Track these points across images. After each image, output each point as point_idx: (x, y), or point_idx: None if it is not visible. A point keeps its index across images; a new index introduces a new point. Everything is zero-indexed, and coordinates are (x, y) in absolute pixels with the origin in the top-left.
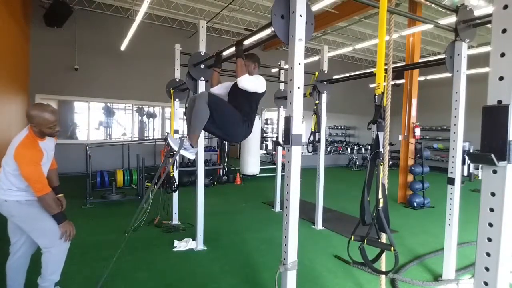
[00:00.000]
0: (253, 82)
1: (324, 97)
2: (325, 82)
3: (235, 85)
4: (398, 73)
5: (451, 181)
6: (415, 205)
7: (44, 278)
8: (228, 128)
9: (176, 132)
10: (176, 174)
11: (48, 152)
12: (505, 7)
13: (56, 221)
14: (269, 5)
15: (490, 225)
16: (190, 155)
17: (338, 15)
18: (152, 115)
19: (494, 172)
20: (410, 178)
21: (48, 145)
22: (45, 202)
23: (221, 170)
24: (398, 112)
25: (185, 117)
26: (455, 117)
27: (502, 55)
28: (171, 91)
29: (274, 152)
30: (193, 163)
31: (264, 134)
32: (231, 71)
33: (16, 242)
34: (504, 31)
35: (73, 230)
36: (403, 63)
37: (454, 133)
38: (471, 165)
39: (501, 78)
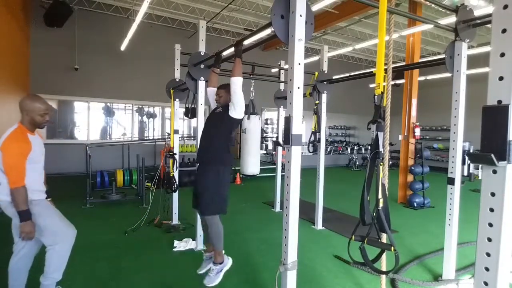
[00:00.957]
0: (241, 94)
1: (324, 97)
2: (325, 82)
3: (221, 112)
4: (398, 73)
5: (451, 181)
6: (415, 205)
7: (46, 276)
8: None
9: (176, 132)
10: (176, 174)
11: (37, 147)
12: (505, 7)
13: (20, 218)
14: (269, 5)
15: (490, 225)
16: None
17: (338, 15)
18: (152, 115)
19: (494, 172)
20: (410, 178)
21: (38, 141)
22: (16, 195)
23: None
24: (398, 112)
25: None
26: (455, 117)
27: (502, 55)
28: (171, 91)
29: (274, 152)
30: (193, 163)
31: (264, 134)
32: (230, 71)
33: (20, 241)
34: (504, 31)
35: (33, 233)
36: (403, 63)
37: (454, 133)
38: (471, 165)
39: (501, 78)
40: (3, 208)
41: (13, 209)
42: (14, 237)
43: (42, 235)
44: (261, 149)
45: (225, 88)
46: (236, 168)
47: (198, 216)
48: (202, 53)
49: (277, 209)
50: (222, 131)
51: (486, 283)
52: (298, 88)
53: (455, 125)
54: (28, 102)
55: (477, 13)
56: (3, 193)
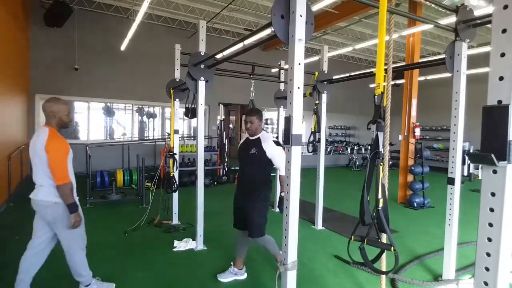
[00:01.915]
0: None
1: (324, 97)
2: (325, 82)
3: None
4: (398, 73)
5: (451, 181)
6: (415, 205)
7: (79, 275)
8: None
9: (176, 132)
10: (176, 174)
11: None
12: (505, 7)
13: (70, 210)
14: (269, 5)
15: (490, 225)
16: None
17: (338, 15)
18: (152, 115)
19: (494, 172)
20: (410, 178)
21: None
22: (64, 190)
23: (221, 170)
24: (398, 112)
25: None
26: (455, 117)
27: (502, 55)
28: (171, 91)
29: None
30: (193, 163)
31: None
32: (232, 71)
33: (39, 237)
34: (504, 31)
35: (81, 222)
36: (403, 63)
37: (454, 133)
38: (471, 165)
39: (501, 78)
40: (42, 208)
41: (53, 209)
42: (35, 231)
43: (66, 239)
44: None
45: (256, 115)
46: (236, 168)
47: (197, 213)
48: (202, 53)
49: (277, 209)
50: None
51: (486, 283)
52: (298, 88)
53: (455, 125)
54: (54, 104)
55: (477, 13)
56: (46, 194)
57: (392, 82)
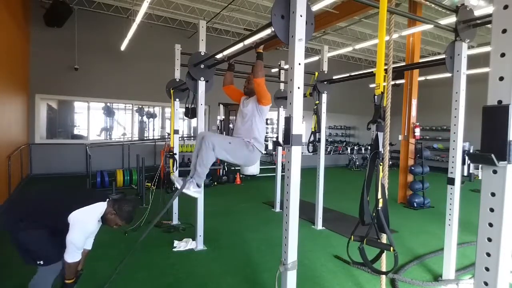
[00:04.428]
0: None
1: (324, 97)
2: (325, 82)
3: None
4: (398, 73)
5: (451, 181)
6: (415, 205)
7: None
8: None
9: (176, 132)
10: (176, 174)
11: None
12: (505, 7)
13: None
14: (269, 5)
15: (490, 225)
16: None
17: (338, 15)
18: (152, 115)
19: (494, 172)
20: (410, 178)
21: None
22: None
23: (221, 170)
24: (398, 112)
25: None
26: (455, 117)
27: (502, 55)
28: (171, 91)
29: (274, 152)
30: None
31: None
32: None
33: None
34: (504, 31)
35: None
36: (403, 63)
37: (454, 133)
38: (471, 165)
39: (501, 78)
40: None
41: None
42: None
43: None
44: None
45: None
46: (236, 168)
47: (197, 213)
48: (202, 53)
49: (277, 209)
50: None
51: (486, 283)
52: (298, 88)
53: (455, 125)
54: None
55: (477, 13)
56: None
57: (392, 82)
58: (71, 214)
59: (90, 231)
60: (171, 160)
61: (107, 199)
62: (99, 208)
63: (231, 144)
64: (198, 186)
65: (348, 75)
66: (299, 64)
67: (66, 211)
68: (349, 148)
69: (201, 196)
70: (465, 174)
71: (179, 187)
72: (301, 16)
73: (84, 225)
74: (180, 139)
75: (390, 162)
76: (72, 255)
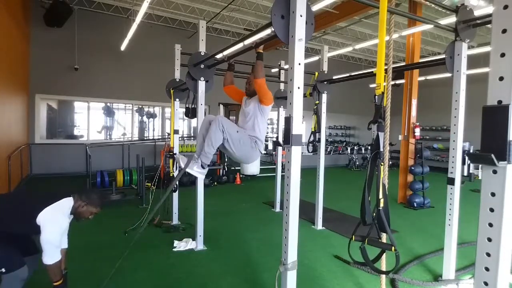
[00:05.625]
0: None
1: (324, 97)
2: (325, 82)
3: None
4: (398, 73)
5: (451, 181)
6: (415, 205)
7: None
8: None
9: (176, 132)
10: (176, 174)
11: None
12: (505, 7)
13: None
14: (269, 5)
15: (490, 225)
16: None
17: (338, 15)
18: (152, 115)
19: (494, 172)
20: (410, 178)
21: None
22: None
23: (221, 170)
24: (398, 112)
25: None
26: (455, 117)
27: (502, 55)
28: (171, 91)
29: (274, 152)
30: None
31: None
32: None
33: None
34: (504, 31)
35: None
36: (403, 63)
37: (454, 133)
38: (471, 165)
39: (501, 78)
40: None
41: None
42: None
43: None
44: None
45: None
46: (236, 168)
47: (197, 213)
48: (202, 53)
49: (277, 209)
50: None
51: (486, 283)
52: (298, 88)
53: (455, 125)
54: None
55: (477, 13)
56: None
57: (392, 82)
58: (39, 215)
59: (63, 227)
60: (171, 160)
61: (72, 195)
62: (66, 203)
63: (238, 133)
64: (203, 167)
65: (348, 75)
66: (299, 64)
67: (34, 213)
68: (349, 148)
69: (201, 196)
70: (465, 174)
71: (182, 165)
72: (301, 16)
73: (56, 221)
74: (180, 139)
75: (390, 162)
76: (52, 255)
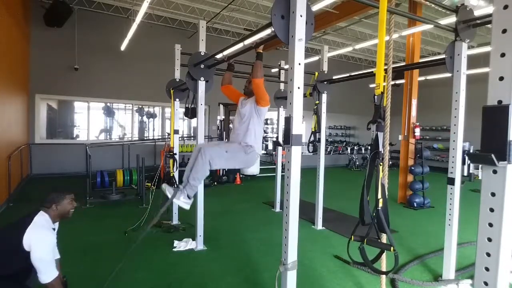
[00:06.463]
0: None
1: (324, 97)
2: (325, 82)
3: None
4: (398, 73)
5: (451, 181)
6: (415, 205)
7: None
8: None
9: (176, 132)
10: (176, 174)
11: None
12: (505, 7)
13: None
14: (269, 5)
15: (490, 225)
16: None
17: (338, 15)
18: (152, 115)
19: (494, 172)
20: (410, 178)
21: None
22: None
23: (221, 170)
24: (398, 112)
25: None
26: (455, 117)
27: (502, 55)
28: (171, 91)
29: (274, 152)
30: None
31: (264, 134)
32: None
33: None
34: (504, 31)
35: None
36: (403, 63)
37: (454, 133)
38: (471, 165)
39: (501, 78)
40: None
41: None
42: None
43: None
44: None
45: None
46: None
47: (197, 213)
48: (202, 53)
49: (277, 209)
50: None
51: (486, 283)
52: (298, 88)
53: (455, 125)
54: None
55: (477, 13)
56: None
57: (392, 82)
58: (23, 240)
59: (50, 241)
60: (171, 160)
61: (40, 209)
62: (42, 217)
63: (228, 153)
64: (189, 197)
65: (348, 75)
66: (299, 64)
67: (18, 243)
68: (349, 148)
69: (201, 196)
70: (465, 174)
71: (169, 196)
72: (301, 16)
73: (41, 238)
74: (180, 139)
75: (390, 162)
76: (49, 273)
